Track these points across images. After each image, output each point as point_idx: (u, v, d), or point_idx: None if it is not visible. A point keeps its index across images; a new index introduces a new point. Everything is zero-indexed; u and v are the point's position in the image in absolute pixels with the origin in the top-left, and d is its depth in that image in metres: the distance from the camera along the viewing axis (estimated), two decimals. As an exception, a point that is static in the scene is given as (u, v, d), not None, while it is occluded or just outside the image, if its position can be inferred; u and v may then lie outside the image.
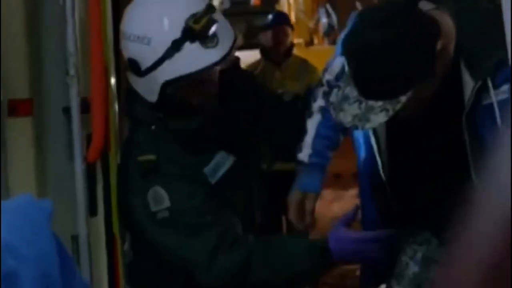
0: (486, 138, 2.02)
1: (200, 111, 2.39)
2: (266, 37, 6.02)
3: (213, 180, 2.40)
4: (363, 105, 1.92)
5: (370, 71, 1.93)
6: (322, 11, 13.26)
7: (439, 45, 1.97)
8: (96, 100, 2.51)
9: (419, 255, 2.37)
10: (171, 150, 2.37)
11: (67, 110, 2.54)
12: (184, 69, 2.26)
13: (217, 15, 2.33)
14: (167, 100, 2.34)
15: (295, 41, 6.69)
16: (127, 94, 2.53)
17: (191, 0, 2.34)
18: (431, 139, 2.20)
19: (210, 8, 2.29)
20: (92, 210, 2.61)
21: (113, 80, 2.83)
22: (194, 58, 2.26)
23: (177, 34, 2.26)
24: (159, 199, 2.32)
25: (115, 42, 2.90)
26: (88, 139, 2.58)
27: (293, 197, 2.43)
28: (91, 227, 2.60)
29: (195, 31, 2.23)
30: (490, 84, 2.03)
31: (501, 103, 2.02)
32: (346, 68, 1.99)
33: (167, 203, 2.32)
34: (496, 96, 2.02)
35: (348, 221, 2.40)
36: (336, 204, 7.98)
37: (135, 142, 2.43)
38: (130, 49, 2.34)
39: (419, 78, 1.95)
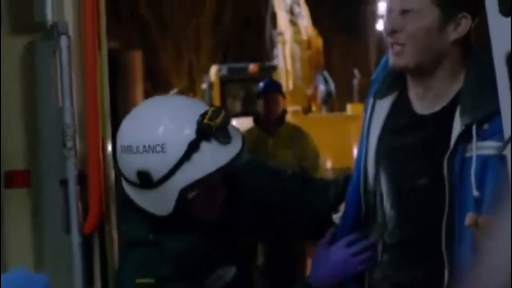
0: (462, 193, 2.01)
1: (197, 227, 2.34)
2: (259, 106, 6.05)
3: None
4: None
5: None
6: (320, 78, 13.36)
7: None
8: (93, 174, 2.52)
9: (386, 278, 2.32)
10: (169, 271, 2.31)
11: (64, 182, 2.55)
12: (204, 169, 2.21)
13: None
14: (182, 209, 2.27)
15: (293, 108, 6.71)
16: (121, 211, 2.48)
17: (195, 103, 2.36)
18: (415, 178, 2.17)
19: (215, 107, 2.28)
20: (89, 281, 2.60)
21: (109, 147, 2.83)
22: (213, 156, 2.22)
23: (192, 135, 2.21)
24: None
25: (112, 111, 2.91)
26: (85, 210, 2.58)
27: None
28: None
29: (212, 128, 2.20)
30: (474, 133, 2.00)
31: (481, 159, 1.98)
32: None
33: None
34: (478, 149, 1.99)
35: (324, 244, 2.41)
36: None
37: (132, 263, 2.35)
38: (139, 162, 2.24)
39: None
